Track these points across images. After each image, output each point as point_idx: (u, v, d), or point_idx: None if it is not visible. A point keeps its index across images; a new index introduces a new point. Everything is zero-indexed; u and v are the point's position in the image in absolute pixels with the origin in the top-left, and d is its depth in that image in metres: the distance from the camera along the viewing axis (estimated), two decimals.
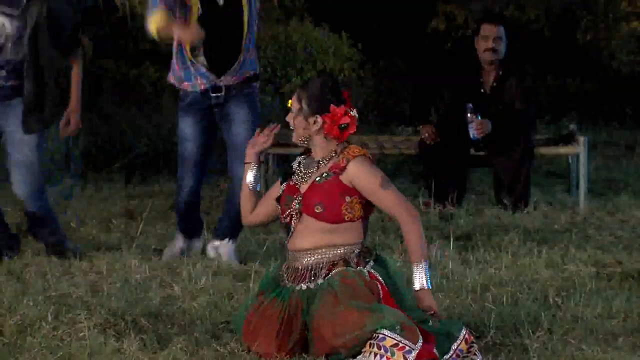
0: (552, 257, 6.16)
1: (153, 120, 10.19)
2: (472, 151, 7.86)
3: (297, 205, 4.55)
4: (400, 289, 4.53)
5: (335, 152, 4.58)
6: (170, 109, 6.11)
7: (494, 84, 7.82)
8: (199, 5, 6.05)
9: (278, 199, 4.66)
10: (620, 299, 5.14)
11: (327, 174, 4.54)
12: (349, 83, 10.95)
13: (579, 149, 8.11)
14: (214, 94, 6.12)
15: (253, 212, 4.81)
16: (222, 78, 6.11)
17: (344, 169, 4.51)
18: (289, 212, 4.57)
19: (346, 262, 4.50)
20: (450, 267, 5.82)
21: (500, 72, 7.81)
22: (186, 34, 5.95)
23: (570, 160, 8.51)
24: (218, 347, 4.48)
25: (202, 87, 6.11)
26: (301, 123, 4.59)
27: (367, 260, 4.55)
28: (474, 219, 7.28)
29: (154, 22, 6.03)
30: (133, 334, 4.53)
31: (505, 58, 7.83)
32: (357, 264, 4.51)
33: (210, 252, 6.31)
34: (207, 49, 6.09)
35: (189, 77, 6.14)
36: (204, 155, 6.25)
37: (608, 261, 6.11)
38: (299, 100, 4.59)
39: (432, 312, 4.43)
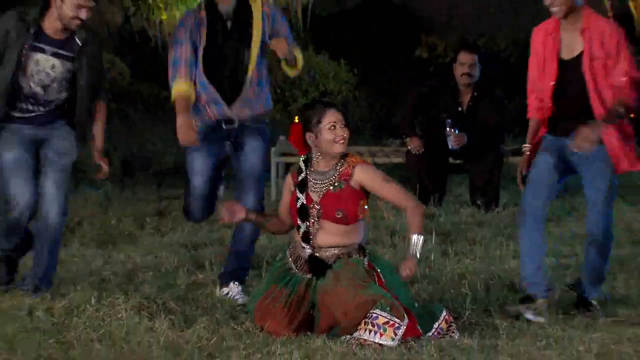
0: (519, 250, 6.14)
1: None
2: (451, 160, 7.87)
3: (317, 213, 4.54)
4: (390, 277, 4.54)
5: (338, 161, 4.58)
6: None
7: (470, 104, 7.81)
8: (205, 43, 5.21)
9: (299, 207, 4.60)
10: None
11: (339, 182, 4.54)
12: (346, 102, 10.96)
13: None
14: (226, 126, 5.21)
15: (285, 226, 4.78)
16: (233, 107, 5.19)
17: (351, 175, 4.53)
18: (309, 219, 4.56)
19: (349, 255, 4.53)
20: (432, 258, 5.83)
21: (475, 94, 7.81)
22: (181, 134, 5.11)
23: None
24: (235, 326, 4.50)
25: (214, 118, 5.22)
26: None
27: (365, 254, 4.58)
28: (452, 217, 7.27)
29: (175, 91, 5.15)
30: (163, 315, 4.55)
31: (479, 81, 7.84)
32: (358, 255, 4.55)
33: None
34: (212, 78, 5.23)
35: (198, 110, 5.22)
36: (212, 189, 5.36)
37: (566, 253, 6.13)
38: (344, 117, 4.59)
39: (407, 276, 4.45)
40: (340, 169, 4.56)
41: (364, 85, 11.35)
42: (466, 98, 7.82)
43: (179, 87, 5.13)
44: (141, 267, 5.84)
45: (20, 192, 5.04)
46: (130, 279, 5.56)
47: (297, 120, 4.77)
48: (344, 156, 4.58)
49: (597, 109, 4.74)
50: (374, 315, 4.25)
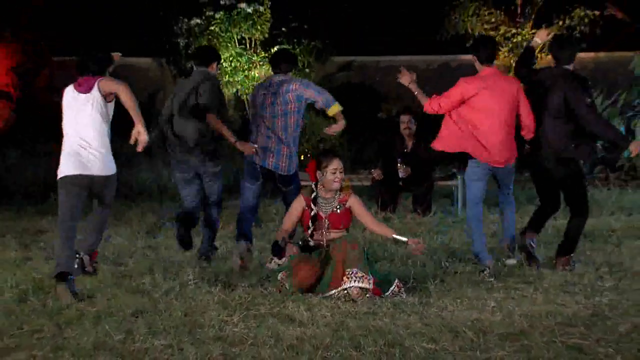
0: (444, 240, 6.15)
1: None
2: (400, 183, 7.86)
3: (327, 225, 4.62)
4: (366, 256, 4.52)
5: (336, 192, 4.67)
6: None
7: (412, 147, 7.83)
8: None
9: (311, 217, 4.64)
10: None
11: (340, 205, 4.65)
12: (335, 146, 11.01)
13: (458, 182, 8.08)
14: None
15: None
16: None
17: (347, 201, 4.65)
18: (322, 229, 4.62)
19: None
20: (388, 245, 5.77)
21: (414, 141, 7.82)
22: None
23: (453, 188, 8.43)
24: (262, 290, 4.51)
25: None
26: None
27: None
28: (402, 220, 7.25)
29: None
30: (219, 285, 4.56)
31: (417, 132, 7.83)
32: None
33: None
34: None
35: None
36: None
37: None
38: (342, 165, 4.68)
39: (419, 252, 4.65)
40: (339, 197, 4.67)
41: (346, 135, 11.39)
42: (409, 143, 7.83)
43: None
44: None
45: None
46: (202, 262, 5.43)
47: (314, 159, 4.79)
48: (340, 188, 4.68)
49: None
50: (354, 270, 4.30)
